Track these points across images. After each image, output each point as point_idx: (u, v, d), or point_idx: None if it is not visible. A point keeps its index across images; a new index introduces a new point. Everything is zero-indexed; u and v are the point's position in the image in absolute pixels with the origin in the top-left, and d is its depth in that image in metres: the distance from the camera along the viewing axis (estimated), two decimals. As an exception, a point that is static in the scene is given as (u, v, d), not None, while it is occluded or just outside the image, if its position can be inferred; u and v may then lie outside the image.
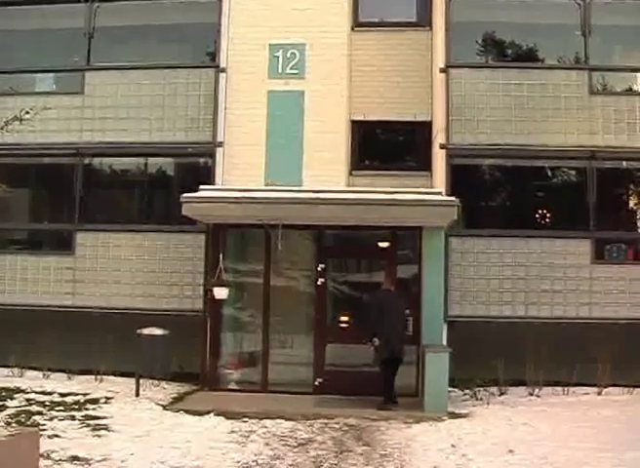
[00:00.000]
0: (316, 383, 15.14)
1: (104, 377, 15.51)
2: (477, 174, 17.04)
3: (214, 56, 17.26)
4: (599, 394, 14.55)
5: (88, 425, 11.89)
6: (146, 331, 14.60)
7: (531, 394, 14.65)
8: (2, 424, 11.41)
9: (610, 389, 14.60)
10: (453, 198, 14.48)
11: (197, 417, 12.76)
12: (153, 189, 17.94)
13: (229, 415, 12.80)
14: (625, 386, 14.69)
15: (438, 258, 14.93)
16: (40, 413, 12.55)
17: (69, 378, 15.63)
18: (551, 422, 12.30)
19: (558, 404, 13.87)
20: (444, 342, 14.85)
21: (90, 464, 9.94)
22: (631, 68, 16.71)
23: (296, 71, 16.71)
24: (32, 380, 15.22)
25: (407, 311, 14.70)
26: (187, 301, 16.35)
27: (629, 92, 16.55)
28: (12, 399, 13.54)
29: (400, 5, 17.77)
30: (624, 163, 16.51)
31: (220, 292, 14.86)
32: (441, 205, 14.33)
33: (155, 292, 16.51)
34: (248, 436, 11.65)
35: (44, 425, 11.63)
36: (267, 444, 11.23)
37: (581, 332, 14.99)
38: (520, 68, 16.64)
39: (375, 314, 14.11)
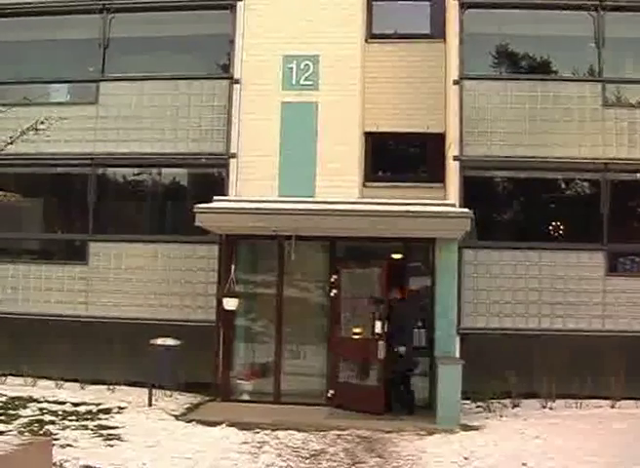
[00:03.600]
0: (329, 395, 15.11)
1: (117, 387, 15.53)
2: (490, 185, 17.03)
3: (227, 67, 17.31)
4: (612, 407, 14.49)
5: (100, 435, 11.90)
6: (159, 341, 14.63)
7: (544, 407, 14.60)
8: (15, 433, 11.42)
9: (623, 402, 14.54)
10: (466, 210, 14.47)
11: (209, 428, 12.76)
12: (166, 200, 17.97)
13: (242, 426, 12.80)
14: (639, 399, 14.63)
15: (451, 270, 14.89)
16: (53, 423, 12.58)
17: (82, 388, 15.65)
18: (564, 435, 12.24)
19: (571, 416, 13.80)
20: (457, 354, 14.80)
21: (102, 474, 9.98)
22: (645, 80, 16.69)
23: (309, 83, 16.72)
24: (45, 390, 15.26)
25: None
26: (200, 312, 16.36)
27: (643, 104, 16.51)
28: (25, 408, 13.58)
29: (414, 17, 17.83)
30: (638, 175, 16.45)
31: (230, 303, 14.86)
32: (454, 217, 14.32)
33: (168, 303, 16.53)
34: (260, 447, 11.64)
35: (57, 435, 11.64)
36: (280, 455, 11.21)
37: (595, 345, 14.95)
38: (533, 80, 16.63)
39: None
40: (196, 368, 15.14)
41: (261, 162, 16.46)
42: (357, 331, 15.11)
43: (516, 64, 17.43)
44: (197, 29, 17.66)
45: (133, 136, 17.15)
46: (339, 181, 16.07)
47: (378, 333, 14.50)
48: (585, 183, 16.91)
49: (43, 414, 13.17)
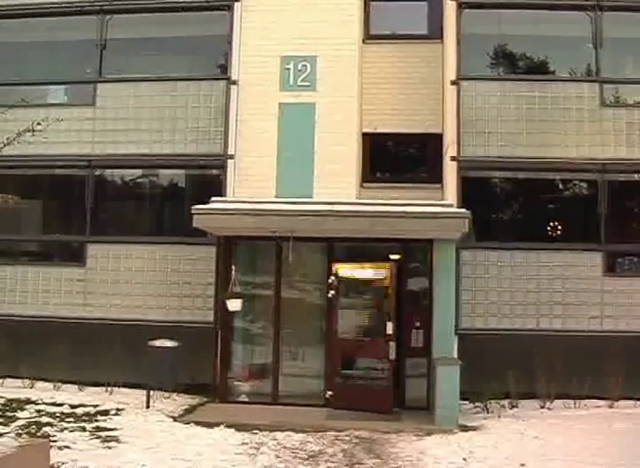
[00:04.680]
0: (327, 396, 15.10)
1: (115, 389, 15.51)
2: (488, 186, 17.01)
3: (225, 68, 17.28)
4: (611, 407, 14.49)
5: (98, 437, 11.89)
6: (157, 342, 14.60)
7: (542, 407, 14.60)
8: (12, 435, 11.40)
9: (621, 402, 14.54)
10: (464, 210, 14.45)
11: (208, 429, 12.75)
12: (164, 201, 17.95)
13: (240, 427, 12.80)
14: (637, 399, 14.64)
15: (449, 271, 14.86)
16: (50, 425, 12.57)
17: (80, 390, 15.63)
18: (563, 436, 12.24)
19: (570, 417, 13.80)
20: (455, 355, 14.80)
21: (100, 476, 9.97)
22: (643, 80, 16.68)
23: (307, 84, 16.71)
24: (43, 392, 15.24)
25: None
26: (199, 313, 16.34)
27: (641, 104, 16.51)
28: (22, 410, 13.58)
29: (411, 18, 17.82)
30: (636, 175, 16.45)
31: (234, 304, 14.84)
32: (452, 217, 14.29)
33: (166, 304, 16.51)
34: (258, 448, 11.64)
35: (54, 436, 11.63)
36: (278, 456, 11.22)
37: (593, 345, 14.95)
38: (531, 81, 16.65)
39: None
40: (194, 369, 15.14)
41: (259, 163, 16.45)
42: (363, 331, 15.30)
43: (514, 65, 17.43)
44: (195, 30, 17.64)
45: (130, 137, 17.13)
46: (336, 182, 16.07)
47: (388, 334, 14.68)
48: (583, 184, 16.90)
49: (41, 416, 13.15)
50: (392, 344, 14.68)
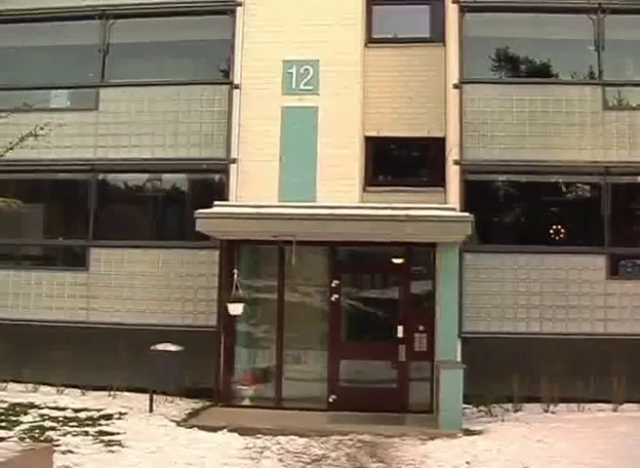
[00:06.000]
0: (330, 400, 15.09)
1: (118, 393, 15.52)
2: (491, 189, 16.99)
3: (228, 72, 17.29)
4: (614, 410, 14.47)
5: (101, 441, 11.88)
6: (160, 346, 14.60)
7: (546, 410, 14.57)
8: (16, 440, 11.40)
9: (625, 405, 14.51)
10: (467, 214, 14.43)
11: (211, 433, 12.73)
12: (167, 205, 17.96)
13: (243, 431, 12.77)
14: (641, 402, 14.63)
15: (452, 275, 14.84)
16: (54, 429, 12.54)
17: (83, 394, 15.64)
18: (567, 439, 12.20)
19: (573, 420, 13.77)
20: (458, 358, 14.78)
21: (103, 480, 9.96)
22: (645, 83, 16.67)
23: (309, 87, 16.72)
24: (46, 396, 15.23)
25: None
26: (201, 317, 16.33)
27: (644, 106, 16.50)
28: (25, 414, 13.53)
29: (413, 21, 17.81)
30: (639, 178, 16.44)
31: (235, 308, 14.82)
32: (455, 221, 14.28)
33: (169, 308, 16.50)
34: (261, 452, 11.64)
35: (57, 441, 11.62)
36: (281, 460, 11.21)
37: (596, 348, 14.91)
38: (533, 84, 16.65)
39: None
40: (197, 373, 15.13)
41: (262, 167, 16.45)
42: (371, 334, 15.56)
43: (516, 68, 17.42)
44: (197, 35, 17.64)
45: (133, 141, 17.13)
46: (339, 186, 16.07)
47: (399, 337, 14.95)
48: (586, 187, 16.90)
49: (44, 420, 13.14)
50: (402, 347, 14.91)
